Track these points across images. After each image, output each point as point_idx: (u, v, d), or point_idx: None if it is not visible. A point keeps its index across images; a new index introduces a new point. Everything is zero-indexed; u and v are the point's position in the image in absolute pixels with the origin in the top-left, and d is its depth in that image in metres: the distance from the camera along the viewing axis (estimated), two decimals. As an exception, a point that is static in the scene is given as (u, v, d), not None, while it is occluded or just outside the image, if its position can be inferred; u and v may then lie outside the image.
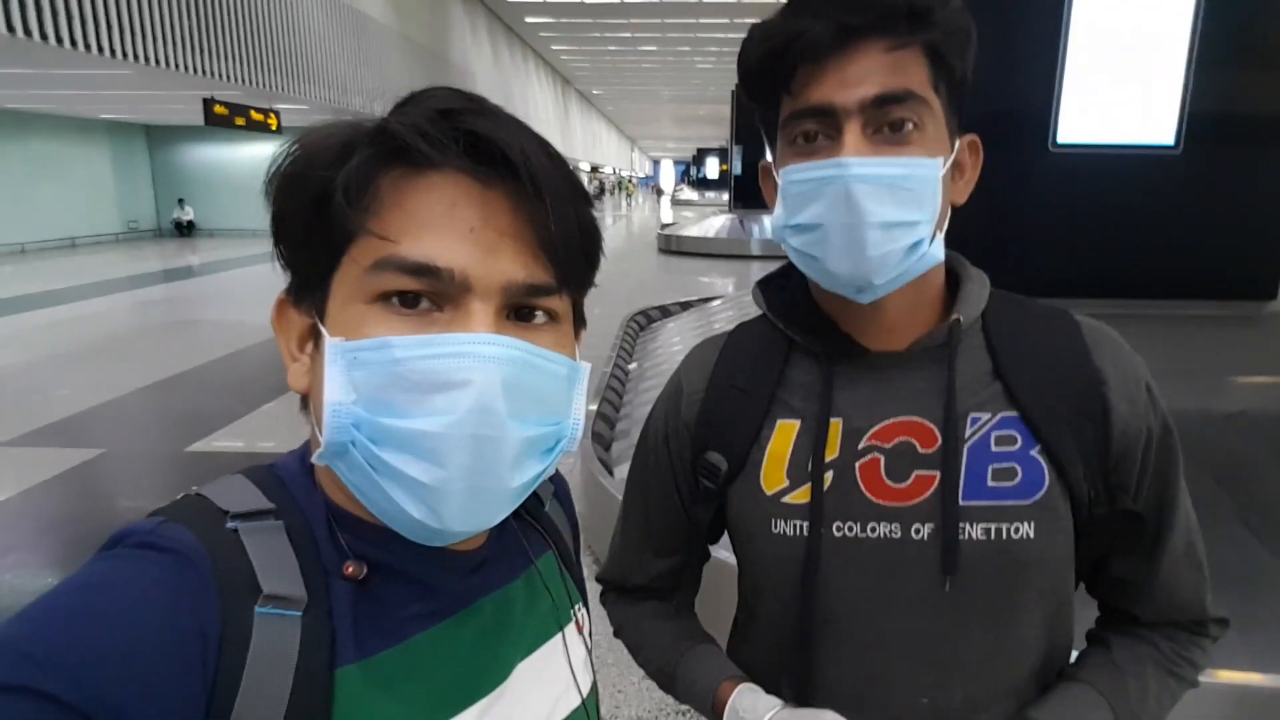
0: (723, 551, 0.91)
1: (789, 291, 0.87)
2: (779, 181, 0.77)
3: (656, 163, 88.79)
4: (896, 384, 0.79)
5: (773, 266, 0.92)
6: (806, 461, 0.79)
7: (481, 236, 0.52)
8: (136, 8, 9.50)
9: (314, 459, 0.53)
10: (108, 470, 4.81)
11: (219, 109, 12.61)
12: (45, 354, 7.83)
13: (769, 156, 0.81)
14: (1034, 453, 0.75)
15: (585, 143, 49.94)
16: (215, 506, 0.54)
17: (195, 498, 0.55)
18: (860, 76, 0.69)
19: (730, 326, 0.93)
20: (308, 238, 0.54)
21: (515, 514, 0.68)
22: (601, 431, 4.13)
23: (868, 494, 0.77)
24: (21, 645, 0.43)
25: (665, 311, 8.07)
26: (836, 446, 0.79)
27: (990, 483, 0.75)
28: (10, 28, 7.96)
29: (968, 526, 0.75)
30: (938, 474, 0.76)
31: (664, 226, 20.83)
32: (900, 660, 0.78)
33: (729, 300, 7.86)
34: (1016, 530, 0.74)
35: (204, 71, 10.85)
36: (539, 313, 0.55)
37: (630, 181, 63.30)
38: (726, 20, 21.35)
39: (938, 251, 0.76)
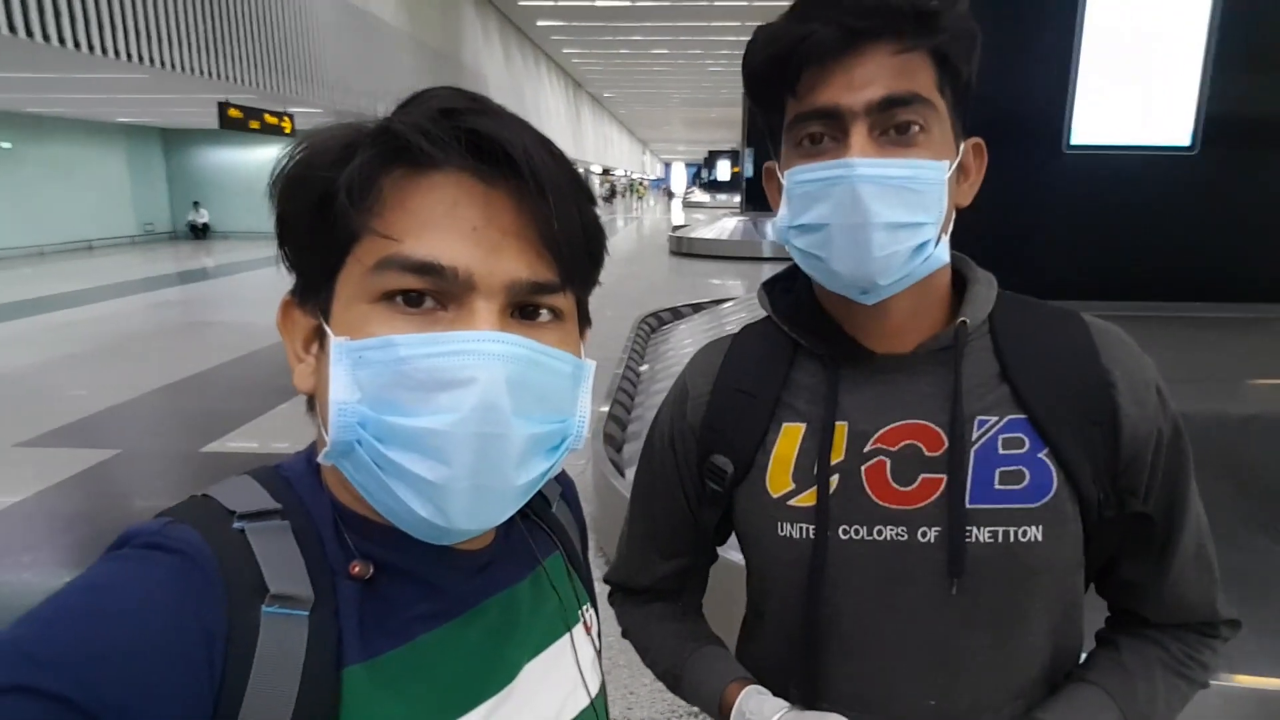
0: (732, 553, 0.90)
1: (794, 294, 0.87)
2: (784, 183, 0.77)
3: (668, 165, 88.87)
4: (902, 387, 0.79)
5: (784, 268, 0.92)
6: (812, 465, 0.79)
7: (485, 235, 0.52)
8: (152, 13, 9.60)
9: (320, 458, 0.54)
10: (123, 470, 4.85)
11: (233, 112, 12.71)
12: (62, 355, 7.91)
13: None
14: (1042, 455, 0.75)
15: (597, 145, 50.03)
16: (222, 507, 0.54)
17: (202, 498, 0.55)
18: (866, 79, 0.69)
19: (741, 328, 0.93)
20: (312, 238, 0.54)
21: (522, 514, 0.68)
22: (613, 433, 4.13)
23: (874, 497, 0.77)
24: (28, 646, 0.43)
25: (677, 313, 8.07)
26: (842, 450, 0.78)
27: (997, 486, 0.75)
28: (29, 32, 8.05)
29: (975, 530, 0.74)
30: (944, 477, 0.75)
31: (675, 229, 20.82)
32: (907, 663, 0.78)
33: (740, 302, 7.85)
34: (1024, 534, 0.74)
35: (218, 75, 10.94)
36: (543, 311, 0.55)
37: (641, 184, 63.33)
38: (738, 23, 21.35)
39: (943, 254, 0.75)
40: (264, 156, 21.84)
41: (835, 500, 0.78)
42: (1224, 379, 3.22)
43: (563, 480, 0.79)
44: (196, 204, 22.73)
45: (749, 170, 18.50)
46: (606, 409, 4.40)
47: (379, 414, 0.50)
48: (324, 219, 0.52)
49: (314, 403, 0.57)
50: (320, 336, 0.55)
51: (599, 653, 0.74)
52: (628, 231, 26.50)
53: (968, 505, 0.74)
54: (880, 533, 0.77)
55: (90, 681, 0.42)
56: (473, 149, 0.51)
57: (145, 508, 4.08)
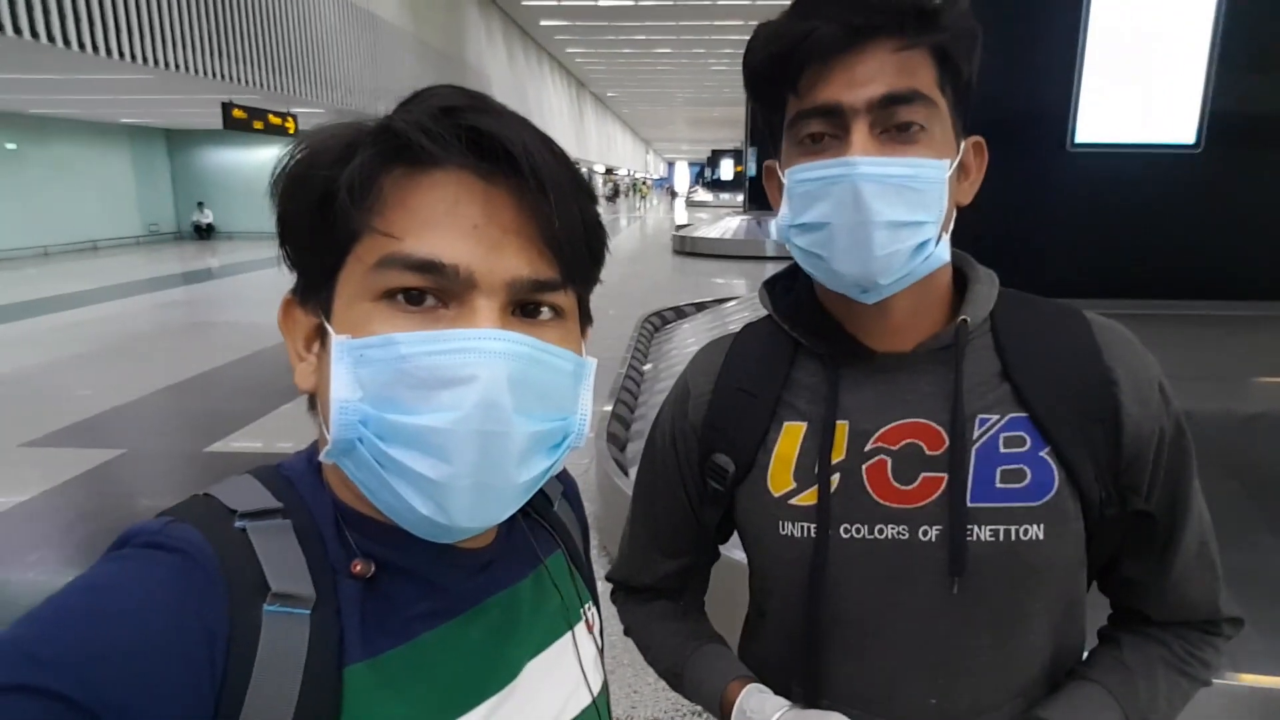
0: (735, 551, 0.90)
1: (795, 293, 0.86)
2: (784, 182, 0.76)
3: (671, 165, 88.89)
4: (903, 386, 0.79)
5: (788, 267, 0.91)
6: (813, 464, 0.79)
7: (485, 233, 0.52)
8: (156, 13, 9.62)
9: (321, 457, 0.54)
10: (128, 470, 4.87)
11: (237, 113, 12.74)
12: (67, 355, 7.93)
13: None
14: (1043, 454, 0.74)
15: (600, 145, 50.05)
16: (223, 506, 0.54)
17: (203, 498, 0.55)
18: (868, 76, 0.69)
19: (744, 328, 0.93)
20: (313, 237, 0.54)
21: (523, 513, 0.68)
22: (616, 432, 4.14)
23: (875, 496, 0.77)
24: (29, 646, 0.43)
25: (680, 312, 8.07)
26: (843, 449, 0.78)
27: (999, 484, 0.74)
28: (34, 33, 8.08)
29: (976, 528, 0.74)
30: (945, 476, 0.75)
31: (678, 228, 20.82)
32: (908, 661, 0.78)
33: (743, 301, 7.85)
34: (1025, 532, 0.74)
35: (222, 76, 10.96)
36: (544, 309, 0.55)
37: (644, 183, 63.35)
38: (741, 22, 21.33)
39: (943, 252, 0.75)
40: (268, 157, 21.79)
41: (836, 499, 0.78)
42: (1229, 377, 3.21)
43: (564, 479, 0.79)
44: (201, 204, 22.78)
45: (752, 169, 18.52)
46: (610, 408, 4.40)
47: (380, 412, 0.50)
48: (325, 218, 0.52)
49: (315, 401, 0.57)
50: (321, 335, 0.55)
51: (601, 651, 0.74)
52: (631, 231, 26.51)
53: (969, 504, 0.74)
54: (881, 531, 0.77)
55: (91, 681, 0.42)
56: (473, 147, 0.51)
57: (150, 507, 4.07)
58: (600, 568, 0.75)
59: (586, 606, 0.73)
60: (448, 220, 0.51)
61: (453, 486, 0.50)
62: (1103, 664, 0.81)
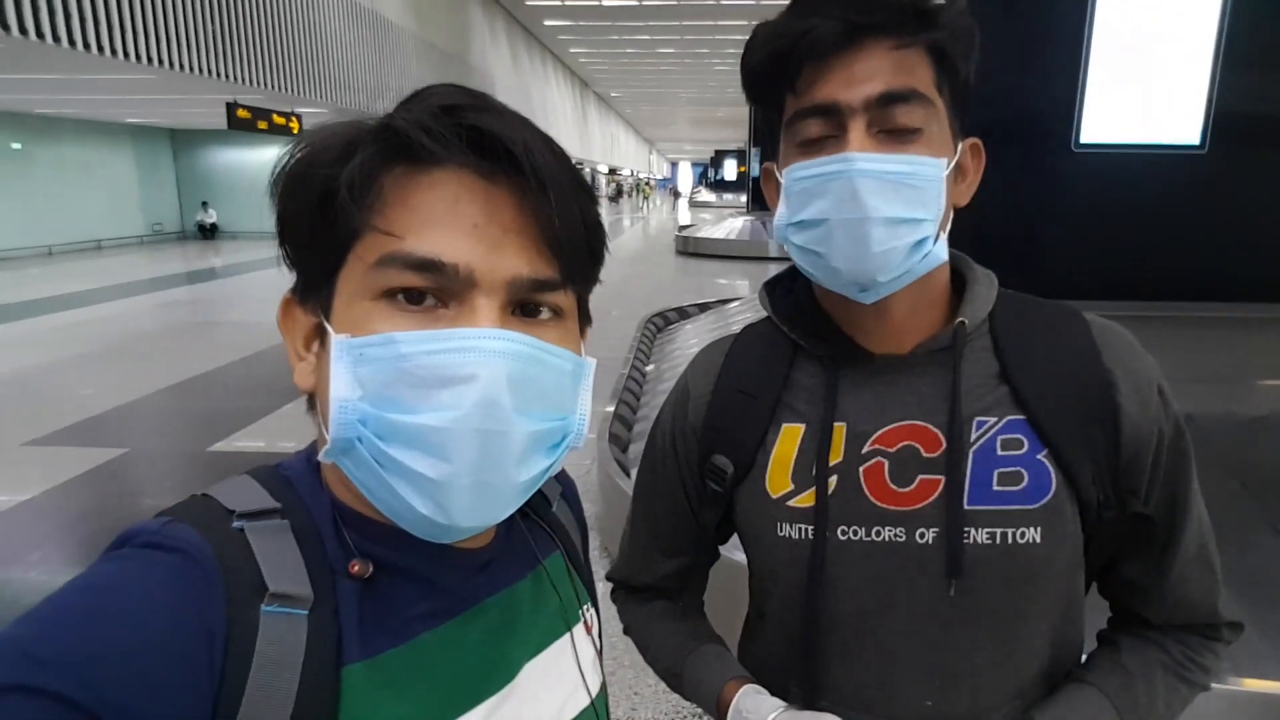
0: (735, 553, 0.90)
1: (794, 295, 0.86)
2: (782, 181, 0.77)
3: (674, 165, 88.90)
4: (900, 388, 0.79)
5: (791, 267, 0.91)
6: (811, 465, 0.79)
7: (485, 232, 0.51)
8: (161, 14, 9.65)
9: (320, 457, 0.54)
10: (131, 469, 4.88)
11: (241, 113, 12.77)
12: (70, 354, 7.95)
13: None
14: (1041, 456, 0.74)
15: (603, 145, 50.08)
16: (221, 506, 0.54)
17: (201, 498, 0.55)
18: (866, 75, 0.70)
19: (748, 329, 0.93)
20: (313, 236, 0.54)
21: (522, 513, 0.68)
22: (619, 433, 4.13)
23: (872, 498, 0.77)
24: (28, 645, 0.43)
25: (683, 313, 8.07)
26: (840, 450, 0.78)
27: (996, 487, 0.74)
28: (40, 34, 8.11)
29: (973, 531, 0.74)
30: (942, 478, 0.75)
31: (682, 228, 20.83)
32: (905, 664, 0.77)
33: (746, 302, 7.84)
34: (1022, 535, 0.74)
35: (227, 76, 10.99)
36: (544, 308, 0.55)
37: (648, 184, 63.38)
38: (745, 22, 21.32)
39: (941, 252, 0.75)
40: (271, 157, 21.31)
41: (834, 501, 0.78)
42: (1233, 379, 3.20)
43: (563, 480, 0.79)
44: (205, 204, 22.84)
45: (755, 170, 18.52)
46: (612, 409, 4.40)
47: (380, 411, 0.50)
48: (325, 216, 0.52)
49: (314, 401, 0.57)
50: (321, 335, 0.55)
51: (600, 653, 0.74)
52: (634, 231, 26.52)
53: (966, 506, 0.74)
54: (878, 534, 0.77)
55: (90, 680, 0.42)
56: (474, 146, 0.51)
57: (153, 506, 4.07)
58: (601, 568, 0.75)
59: (585, 608, 0.73)
60: (448, 219, 0.51)
61: (452, 486, 0.50)
62: (1101, 667, 0.81)
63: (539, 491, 0.65)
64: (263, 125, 13.38)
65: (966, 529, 0.74)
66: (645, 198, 56.23)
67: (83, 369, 7.37)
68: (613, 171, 56.61)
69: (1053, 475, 0.74)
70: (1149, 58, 3.44)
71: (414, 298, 0.51)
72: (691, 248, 17.50)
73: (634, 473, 3.67)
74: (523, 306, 0.54)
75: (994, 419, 0.76)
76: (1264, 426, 2.86)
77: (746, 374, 0.86)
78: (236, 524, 0.53)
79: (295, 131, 14.13)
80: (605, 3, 21.65)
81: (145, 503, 4.36)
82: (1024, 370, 0.76)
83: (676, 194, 65.16)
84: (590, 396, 0.59)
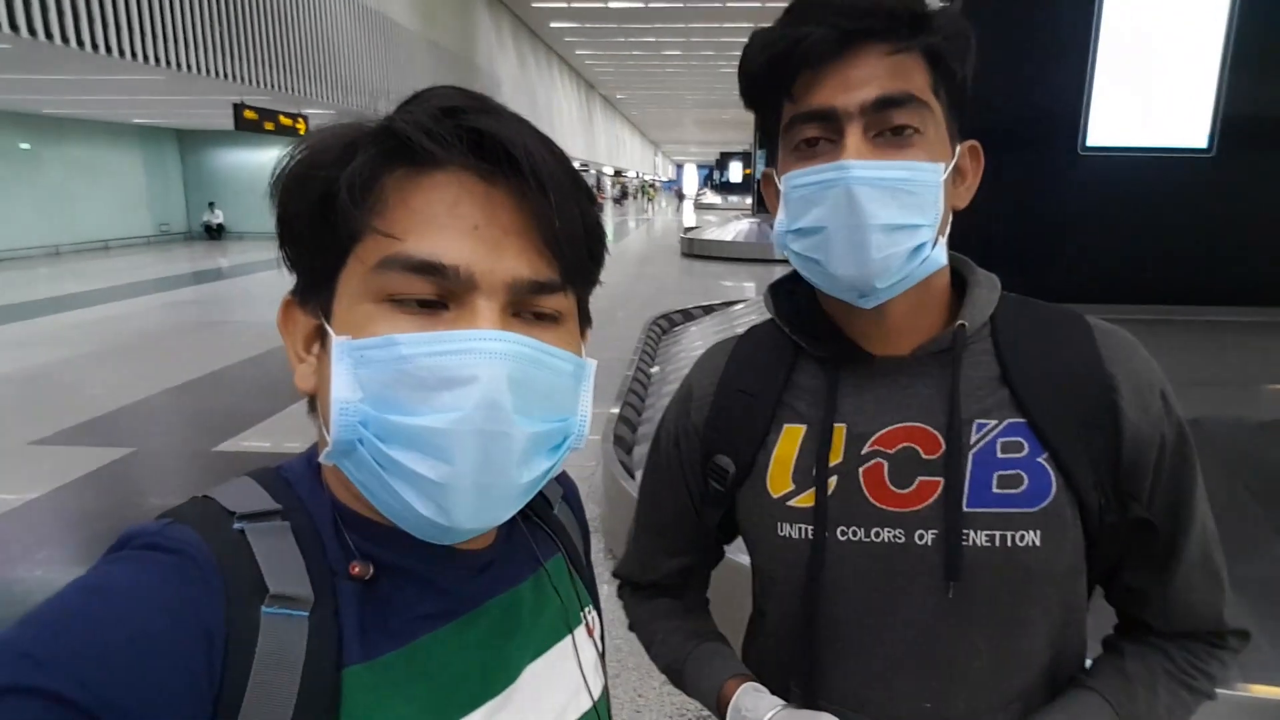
0: (740, 555, 0.91)
1: (797, 297, 0.87)
2: (781, 188, 0.77)
3: (680, 167, 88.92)
4: (900, 390, 0.79)
5: (796, 270, 0.92)
6: (811, 466, 0.79)
7: (486, 233, 0.51)
8: (169, 15, 9.70)
9: (321, 458, 0.54)
10: (138, 468, 4.89)
11: (248, 114, 12.81)
12: (78, 354, 7.99)
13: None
14: (1041, 460, 0.74)
15: (609, 147, 50.13)
16: (222, 508, 0.54)
17: (202, 500, 0.55)
18: (861, 80, 0.70)
19: (753, 331, 0.93)
20: (313, 238, 0.54)
21: (523, 515, 0.68)
22: (623, 434, 4.13)
23: (871, 499, 0.77)
24: (28, 647, 0.43)
25: (688, 315, 8.07)
26: (840, 452, 0.79)
27: (995, 489, 0.74)
28: (49, 35, 8.16)
29: (972, 533, 0.74)
30: (941, 480, 0.75)
31: (686, 230, 20.84)
32: (903, 665, 0.78)
33: (751, 304, 7.84)
34: (1022, 538, 0.73)
35: (234, 77, 11.04)
36: (544, 310, 0.55)
37: (652, 186, 63.45)
38: (750, 24, 21.23)
39: (940, 256, 0.75)
40: (278, 158, 22.01)
41: (833, 501, 0.78)
42: (1240, 383, 3.19)
43: (564, 482, 0.79)
44: (211, 204, 22.93)
45: (760, 172, 18.51)
46: (616, 410, 4.40)
47: (381, 413, 0.50)
48: (325, 218, 0.52)
49: (315, 403, 0.57)
50: (321, 336, 0.55)
51: (602, 655, 0.74)
52: (639, 233, 26.53)
53: (965, 508, 0.74)
54: (878, 535, 0.77)
55: (90, 681, 0.42)
56: (474, 147, 0.51)
57: (159, 505, 4.06)
58: (605, 570, 0.75)
59: (587, 610, 0.72)
60: (448, 221, 0.51)
61: (453, 487, 0.50)
62: (1103, 673, 0.81)
63: (540, 494, 0.65)
64: (269, 126, 13.43)
65: (965, 531, 0.74)
66: (649, 199, 56.28)
67: (90, 368, 7.40)
68: (618, 173, 56.67)
69: (1053, 478, 0.74)
70: (1156, 60, 3.43)
71: (415, 300, 0.51)
72: (696, 250, 17.50)
73: (638, 474, 3.67)
74: (523, 308, 0.54)
75: (994, 421, 0.76)
76: (1272, 431, 2.84)
77: (749, 375, 0.86)
78: (237, 525, 0.53)
79: (302, 132, 14.15)
80: (611, 5, 21.68)
81: (151, 502, 4.37)
82: (1025, 373, 0.76)
83: (681, 196, 65.17)
84: (591, 398, 0.59)
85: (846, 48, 0.70)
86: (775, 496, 0.81)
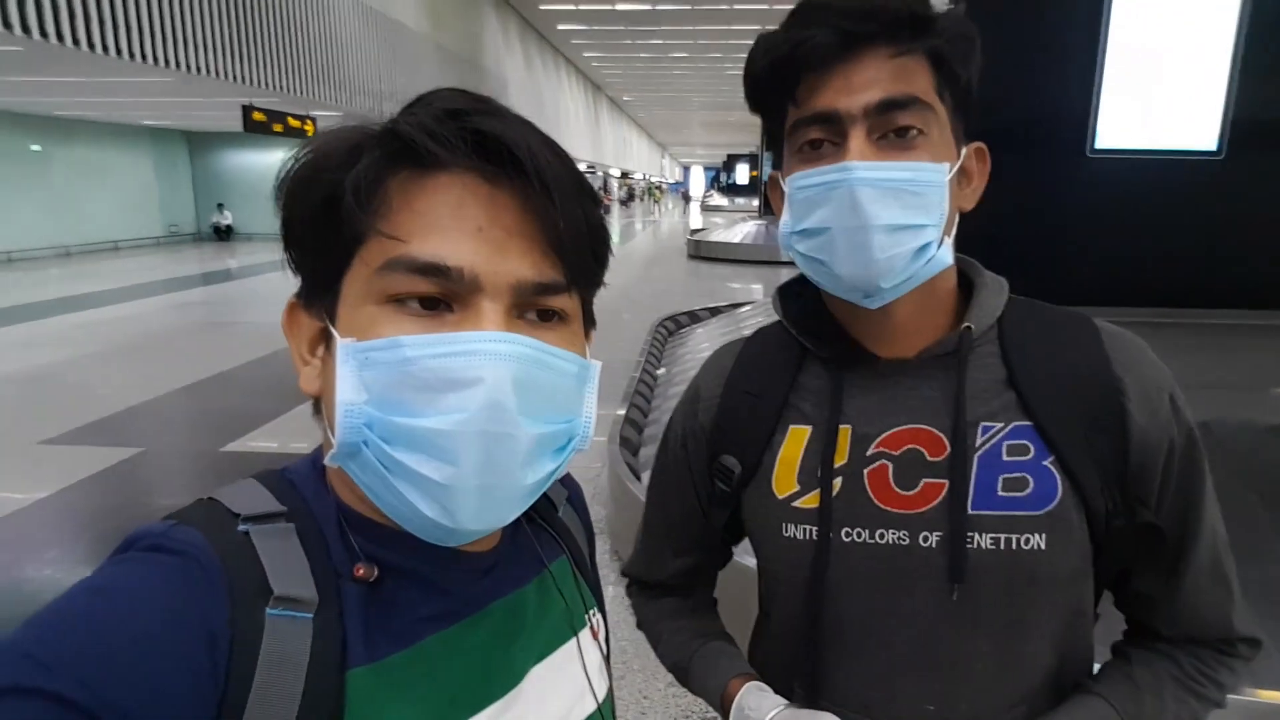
0: (747, 557, 0.91)
1: (804, 299, 0.87)
2: (785, 190, 0.77)
3: (686, 169, 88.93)
4: (906, 392, 0.79)
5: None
6: (817, 467, 0.80)
7: (490, 235, 0.51)
8: (178, 17, 9.75)
9: (326, 460, 0.54)
10: (146, 468, 4.91)
11: (257, 115, 12.86)
12: (87, 354, 8.03)
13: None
14: (1047, 463, 0.74)
15: (615, 149, 50.17)
16: (226, 510, 0.54)
17: (207, 502, 0.55)
18: (865, 83, 0.70)
19: (760, 333, 0.93)
20: (318, 241, 0.54)
21: (528, 517, 0.68)
22: (629, 436, 4.13)
23: (876, 501, 0.77)
24: (30, 648, 0.43)
25: (694, 317, 8.07)
26: (845, 453, 0.79)
27: (1000, 492, 0.74)
28: (60, 37, 8.22)
29: (976, 536, 0.74)
30: (946, 482, 0.75)
31: (693, 232, 20.84)
32: (907, 667, 0.77)
33: (758, 306, 7.84)
34: (1027, 541, 0.73)
35: (243, 79, 11.09)
36: (549, 311, 0.55)
37: (658, 188, 63.46)
38: (758, 27, 21.19)
39: (945, 256, 0.75)
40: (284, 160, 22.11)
41: (838, 502, 0.78)
42: (1250, 386, 3.17)
43: (569, 484, 0.79)
44: (220, 206, 23.04)
45: (767, 174, 18.51)
46: (623, 412, 4.40)
47: (385, 415, 0.50)
48: (330, 220, 0.52)
49: (320, 405, 0.57)
50: (326, 339, 0.55)
51: (607, 657, 0.74)
52: (645, 235, 26.54)
53: (970, 511, 0.74)
54: (882, 536, 0.77)
55: (92, 682, 0.42)
56: (478, 149, 0.51)
57: (167, 505, 4.07)
58: (611, 572, 0.76)
59: (591, 612, 0.72)
60: (452, 223, 0.51)
61: (458, 489, 0.50)
62: (1110, 679, 0.80)
63: (545, 496, 0.65)
64: (278, 128, 13.48)
65: (970, 533, 0.74)
66: (656, 201, 56.30)
67: (99, 368, 7.44)
68: (625, 175, 56.72)
69: (1059, 482, 0.74)
70: (1165, 62, 3.41)
71: (419, 301, 0.51)
72: (703, 251, 17.50)
73: (644, 476, 3.68)
74: (527, 309, 0.54)
75: (1000, 424, 0.76)
76: (1281, 435, 2.82)
77: (755, 376, 0.86)
78: (242, 527, 0.53)
79: (310, 134, 14.21)
80: (619, 7, 21.71)
81: (160, 502, 4.39)
82: (1031, 376, 0.76)
83: (687, 198, 65.19)
84: (595, 399, 0.59)
85: (849, 51, 0.70)
86: (780, 497, 0.81)
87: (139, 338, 8.90)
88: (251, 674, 0.48)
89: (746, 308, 7.92)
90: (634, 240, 23.68)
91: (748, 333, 0.93)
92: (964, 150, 0.76)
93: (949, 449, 0.76)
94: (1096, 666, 0.84)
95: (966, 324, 0.78)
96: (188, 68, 9.94)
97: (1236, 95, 3.37)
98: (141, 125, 20.73)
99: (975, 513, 0.74)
